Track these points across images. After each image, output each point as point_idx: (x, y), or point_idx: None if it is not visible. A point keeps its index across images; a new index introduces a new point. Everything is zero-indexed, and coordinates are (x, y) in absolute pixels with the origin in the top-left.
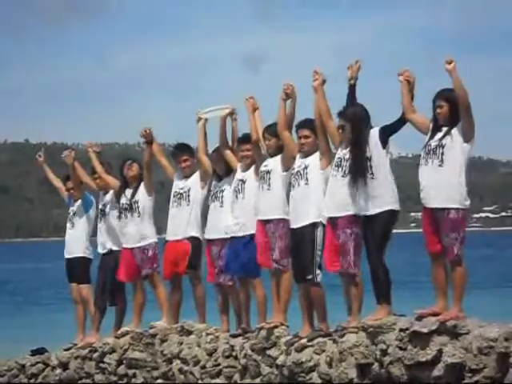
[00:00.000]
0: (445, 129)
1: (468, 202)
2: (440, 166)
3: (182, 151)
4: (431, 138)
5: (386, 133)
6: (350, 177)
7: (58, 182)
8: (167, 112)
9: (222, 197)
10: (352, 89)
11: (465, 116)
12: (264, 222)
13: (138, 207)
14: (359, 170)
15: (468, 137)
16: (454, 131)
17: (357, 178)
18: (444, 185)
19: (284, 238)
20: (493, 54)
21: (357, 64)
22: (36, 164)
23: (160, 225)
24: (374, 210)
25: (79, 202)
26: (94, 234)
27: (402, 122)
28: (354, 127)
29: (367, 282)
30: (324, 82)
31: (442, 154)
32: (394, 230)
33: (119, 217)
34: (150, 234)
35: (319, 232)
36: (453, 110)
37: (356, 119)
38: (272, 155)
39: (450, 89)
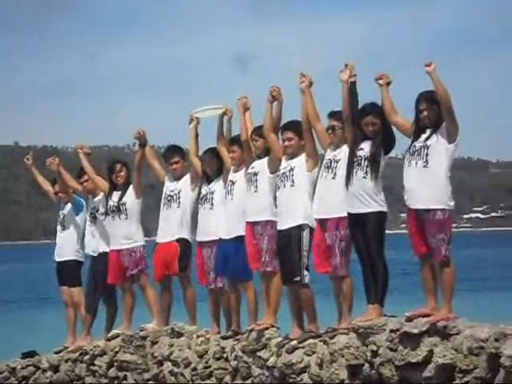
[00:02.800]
0: (429, 130)
1: (453, 203)
2: (425, 166)
3: (172, 153)
4: (415, 139)
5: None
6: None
7: (47, 185)
8: (157, 114)
9: (213, 199)
10: (353, 86)
11: (448, 117)
12: (252, 224)
13: (126, 209)
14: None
15: (452, 138)
16: (439, 132)
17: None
18: (429, 185)
19: (272, 240)
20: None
21: (350, 64)
22: (25, 167)
23: (150, 227)
24: (365, 209)
25: (69, 205)
26: (83, 237)
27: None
28: (384, 123)
29: (358, 283)
30: (311, 84)
31: (427, 154)
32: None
33: (106, 219)
34: (137, 237)
35: (305, 233)
36: (436, 112)
37: (384, 116)
38: (260, 157)
39: (433, 90)
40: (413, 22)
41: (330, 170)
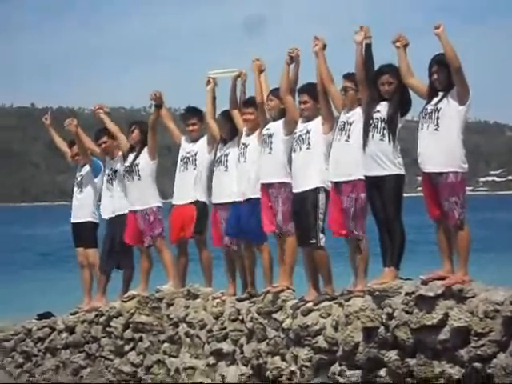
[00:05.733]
0: (441, 93)
1: (466, 166)
2: (436, 130)
3: (191, 115)
4: (428, 102)
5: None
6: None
7: (64, 146)
8: (172, 76)
9: (227, 161)
10: (368, 48)
11: (457, 79)
12: (266, 186)
13: (139, 170)
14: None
15: (463, 99)
16: (449, 95)
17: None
18: (441, 149)
19: (287, 202)
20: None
21: (365, 26)
22: (43, 126)
23: (167, 188)
24: (382, 171)
25: (87, 167)
26: (99, 199)
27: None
28: (401, 84)
29: (374, 246)
30: (325, 46)
31: (438, 118)
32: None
33: (122, 180)
34: (151, 198)
35: (321, 196)
36: (447, 75)
37: (400, 77)
38: (274, 118)
39: (444, 53)
40: None
41: (344, 133)
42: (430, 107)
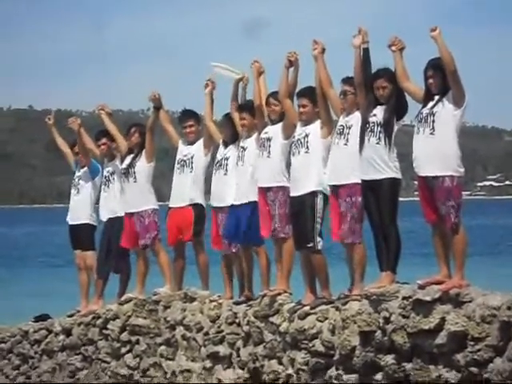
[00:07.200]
0: (437, 97)
1: (462, 170)
2: (431, 133)
3: (188, 117)
4: (424, 106)
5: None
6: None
7: (65, 147)
8: (170, 79)
9: (227, 164)
10: (366, 53)
11: (452, 82)
12: (264, 190)
13: (135, 173)
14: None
15: (458, 103)
16: (445, 99)
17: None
18: (436, 153)
19: (284, 206)
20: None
21: (363, 29)
22: (43, 127)
23: (164, 191)
24: (378, 175)
25: (85, 168)
26: (97, 201)
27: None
28: (397, 88)
29: (371, 250)
30: (324, 50)
31: (433, 121)
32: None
33: (119, 182)
34: (147, 200)
35: (319, 200)
36: (442, 79)
37: (396, 81)
38: (275, 122)
39: (440, 57)
40: None
41: (343, 137)
42: (425, 111)
